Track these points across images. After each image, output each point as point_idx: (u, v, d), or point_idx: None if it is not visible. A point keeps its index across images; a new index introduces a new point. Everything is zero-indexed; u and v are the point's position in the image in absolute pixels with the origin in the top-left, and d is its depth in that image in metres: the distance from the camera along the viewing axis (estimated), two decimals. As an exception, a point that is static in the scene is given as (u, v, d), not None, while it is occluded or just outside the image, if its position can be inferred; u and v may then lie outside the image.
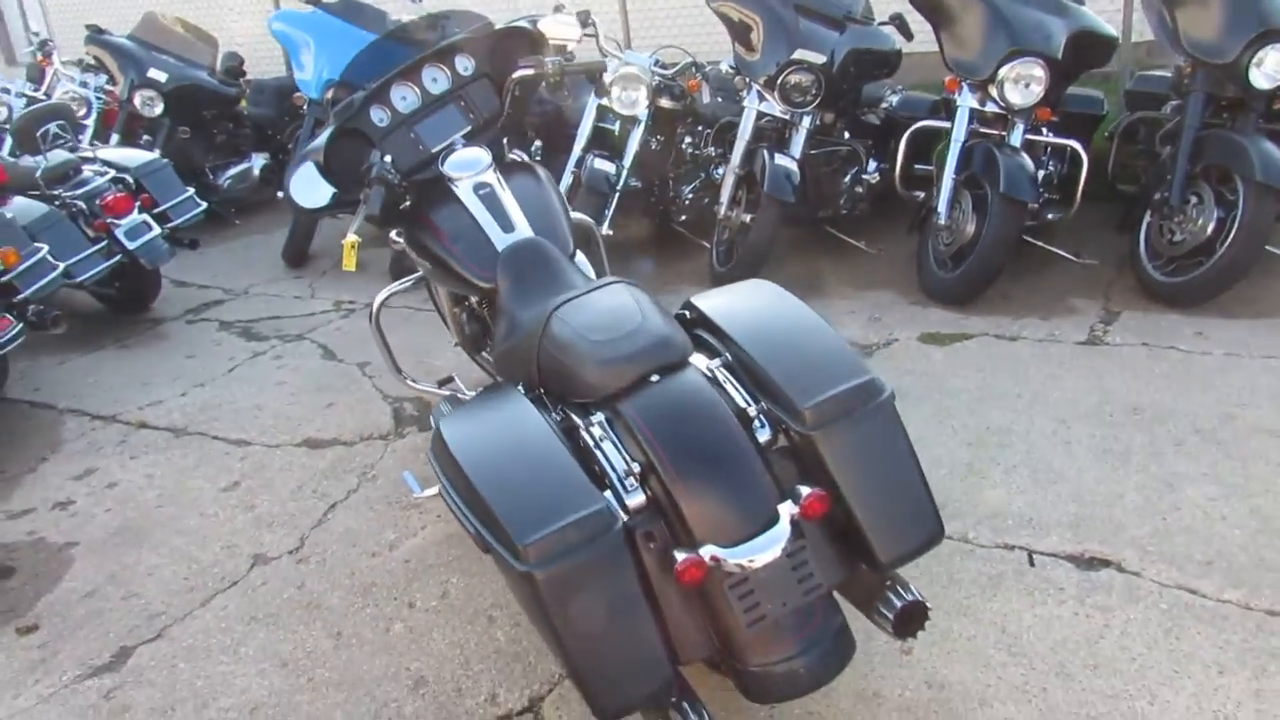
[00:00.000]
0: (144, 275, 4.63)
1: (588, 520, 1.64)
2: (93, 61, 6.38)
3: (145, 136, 6.24)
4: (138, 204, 4.49)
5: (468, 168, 2.65)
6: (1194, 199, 3.70)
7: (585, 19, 4.65)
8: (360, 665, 2.31)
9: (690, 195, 4.92)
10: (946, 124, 4.12)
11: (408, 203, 2.67)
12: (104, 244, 4.37)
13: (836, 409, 1.79)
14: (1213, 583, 2.28)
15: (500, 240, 2.51)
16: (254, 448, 3.40)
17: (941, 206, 4.03)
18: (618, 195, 4.63)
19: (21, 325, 3.74)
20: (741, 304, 2.12)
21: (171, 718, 2.21)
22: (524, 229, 2.54)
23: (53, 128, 4.56)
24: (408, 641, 2.37)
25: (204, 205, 4.83)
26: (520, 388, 2.06)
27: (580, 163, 4.64)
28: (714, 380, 1.90)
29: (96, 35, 6.08)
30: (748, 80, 4.42)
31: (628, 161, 4.67)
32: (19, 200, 4.35)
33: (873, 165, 4.67)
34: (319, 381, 3.88)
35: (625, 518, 1.74)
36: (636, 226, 5.12)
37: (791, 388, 1.84)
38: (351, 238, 2.56)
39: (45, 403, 3.94)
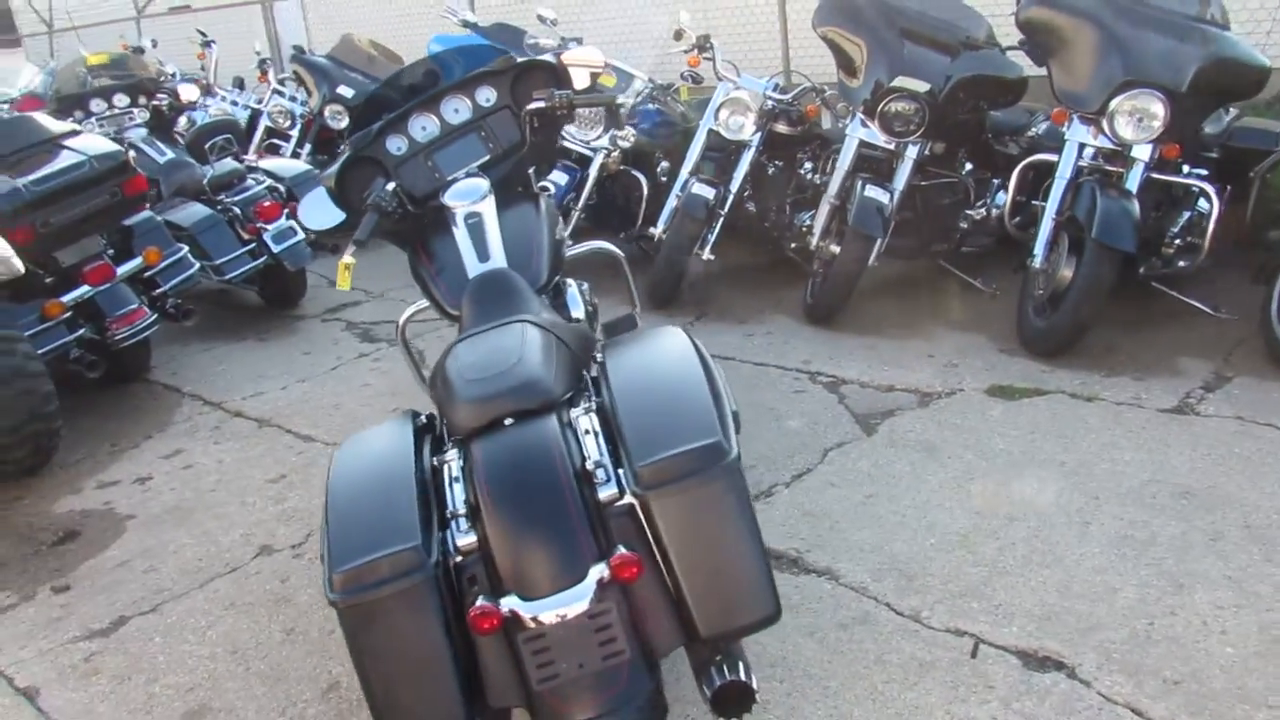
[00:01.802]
0: (288, 275, 5.09)
1: (398, 556, 1.68)
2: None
3: (341, 147, 6.84)
4: (285, 211, 4.96)
5: (465, 196, 2.73)
6: (1330, 253, 3.18)
7: (704, 43, 4.72)
8: (294, 662, 2.46)
9: (807, 222, 4.79)
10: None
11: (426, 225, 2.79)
12: (253, 245, 4.87)
13: (672, 470, 1.72)
14: (1168, 706, 1.96)
15: (474, 269, 2.59)
16: (315, 444, 3.68)
17: (1038, 248, 3.70)
18: (721, 220, 4.59)
19: (156, 316, 4.25)
20: (639, 352, 2.08)
21: (125, 685, 2.46)
22: (498, 259, 2.60)
23: (219, 140, 5.13)
24: (342, 645, 2.49)
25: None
26: (424, 417, 2.14)
27: (685, 187, 4.62)
28: (574, 429, 1.88)
29: (299, 55, 6.75)
30: (850, 108, 4.25)
31: (735, 186, 4.61)
32: (194, 204, 4.95)
33: (1002, 198, 4.33)
34: (399, 386, 4.12)
35: (458, 558, 1.77)
36: (749, 253, 5.03)
37: (635, 444, 1.78)
38: (346, 259, 2.70)
39: (175, 386, 4.44)
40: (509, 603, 1.68)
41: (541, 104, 2.80)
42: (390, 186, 2.69)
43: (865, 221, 3.95)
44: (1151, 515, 2.59)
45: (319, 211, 2.81)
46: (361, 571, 1.68)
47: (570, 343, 2.14)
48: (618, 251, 3.19)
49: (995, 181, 4.40)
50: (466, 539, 1.77)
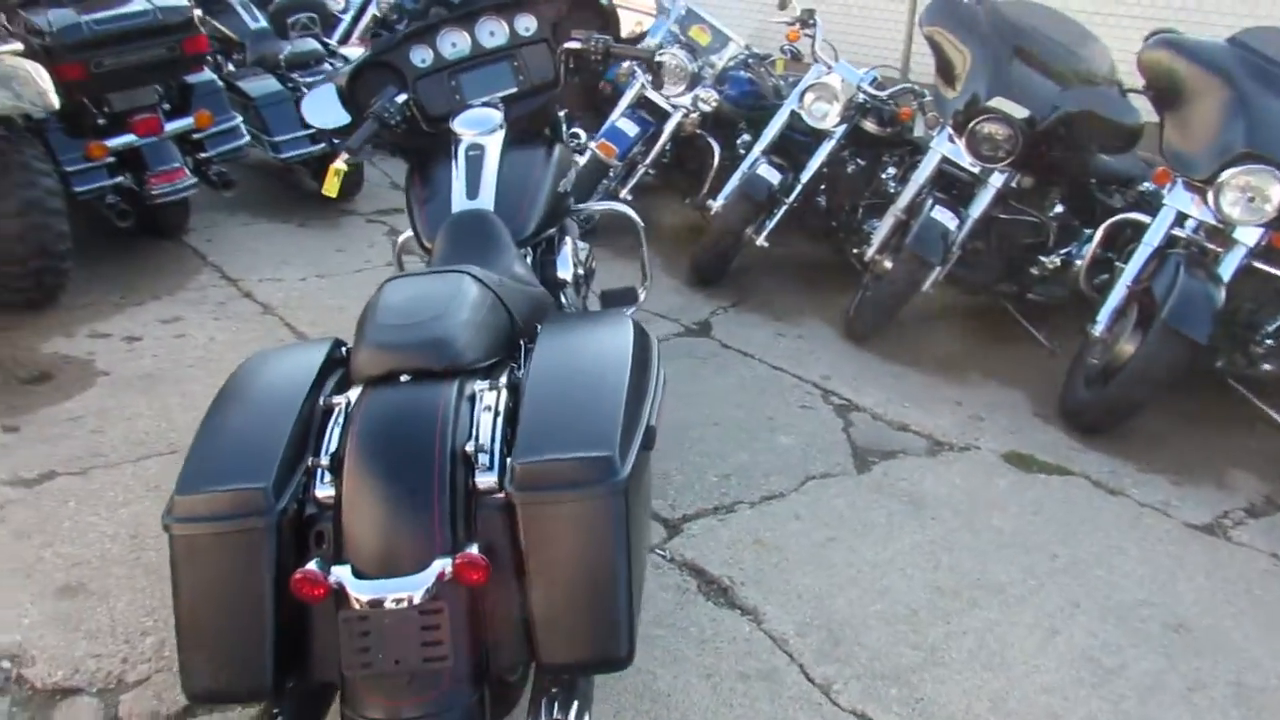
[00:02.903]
0: (344, 168, 4.99)
1: (241, 494, 1.55)
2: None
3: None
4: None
5: (474, 125, 2.57)
6: None
7: (808, 18, 4.41)
8: (185, 563, 2.37)
9: (874, 230, 4.48)
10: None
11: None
12: (313, 130, 4.78)
13: (550, 476, 1.53)
14: None
15: (459, 204, 2.43)
16: (303, 340, 3.59)
17: (1102, 314, 3.34)
18: (785, 208, 4.33)
19: (196, 180, 4.21)
20: (575, 334, 1.90)
21: (21, 542, 2.41)
22: (486, 199, 2.43)
23: (303, 18, 5.03)
24: (237, 559, 2.39)
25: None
26: (344, 349, 1.99)
27: (753, 165, 4.35)
28: (476, 404, 1.70)
29: (417, -51, 6.60)
30: (940, 119, 3.91)
31: (806, 176, 4.33)
32: (268, 77, 4.89)
33: (1085, 251, 3.95)
34: (411, 304, 4.00)
35: (312, 510, 1.63)
36: (809, 247, 4.75)
37: (523, 437, 1.61)
38: (338, 165, 2.57)
39: (202, 253, 4.40)
40: (340, 573, 1.52)
41: (577, 44, 2.61)
42: (400, 98, 2.54)
43: (924, 244, 3.65)
44: (1131, 641, 2.30)
45: (323, 109, 2.67)
46: (200, 501, 1.55)
47: (514, 306, 1.96)
48: (636, 219, 2.98)
49: (1086, 231, 4.03)
50: (324, 491, 1.62)
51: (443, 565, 1.51)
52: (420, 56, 2.64)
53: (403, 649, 1.51)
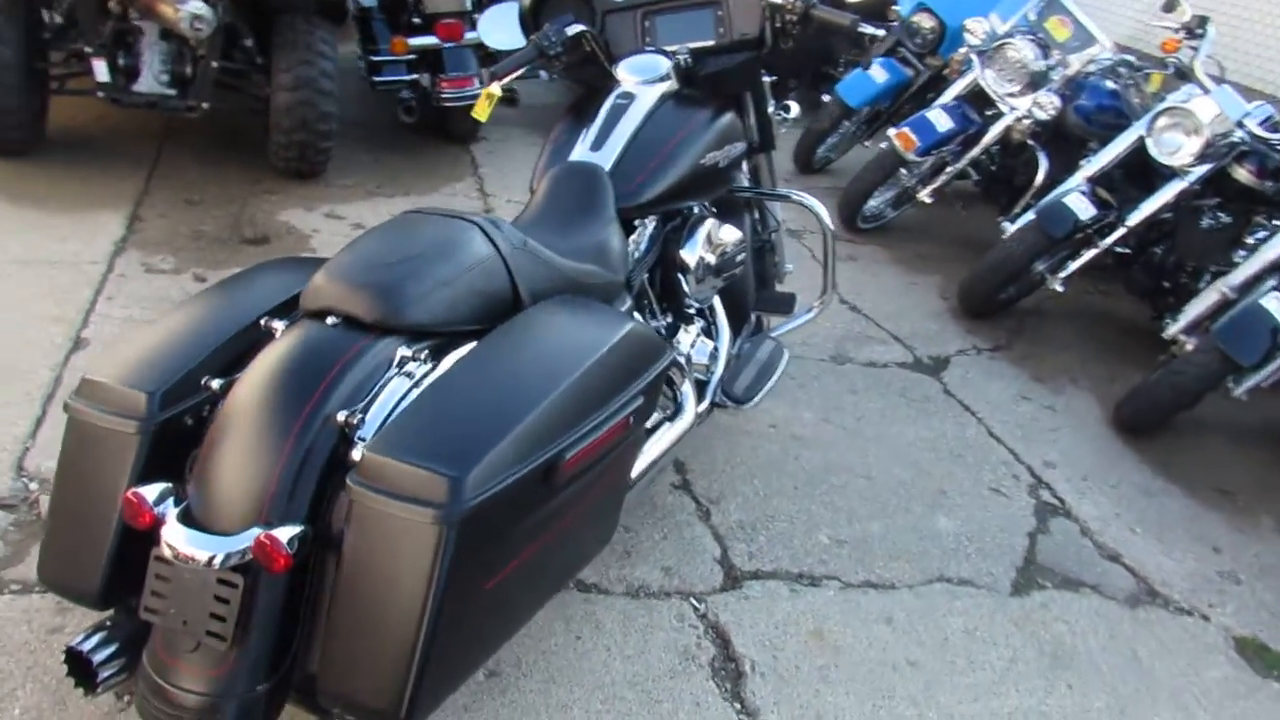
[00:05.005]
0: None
1: (126, 393, 1.46)
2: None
3: None
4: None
5: (637, 72, 2.30)
6: None
7: (1196, 26, 3.55)
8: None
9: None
10: None
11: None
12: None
13: (387, 477, 1.27)
14: None
15: (579, 155, 2.17)
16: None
17: None
18: (1096, 251, 3.54)
19: (481, 90, 4.28)
20: (545, 325, 1.60)
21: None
22: (607, 155, 2.15)
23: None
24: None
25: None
26: None
27: (1064, 192, 3.58)
28: (395, 370, 1.47)
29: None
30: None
31: (1134, 220, 3.49)
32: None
33: None
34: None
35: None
36: (1130, 306, 3.88)
37: (393, 423, 1.36)
38: (493, 88, 2.39)
39: (477, 162, 4.47)
40: (168, 509, 1.37)
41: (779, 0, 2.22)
42: (572, 30, 2.30)
43: (1234, 337, 2.78)
44: None
45: (499, 28, 2.51)
46: (98, 389, 1.48)
47: (523, 276, 1.67)
48: (824, 217, 2.53)
49: None
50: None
51: (252, 537, 1.30)
52: None
53: (192, 611, 1.33)
